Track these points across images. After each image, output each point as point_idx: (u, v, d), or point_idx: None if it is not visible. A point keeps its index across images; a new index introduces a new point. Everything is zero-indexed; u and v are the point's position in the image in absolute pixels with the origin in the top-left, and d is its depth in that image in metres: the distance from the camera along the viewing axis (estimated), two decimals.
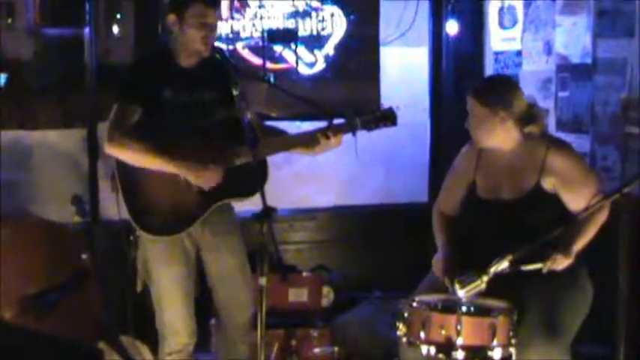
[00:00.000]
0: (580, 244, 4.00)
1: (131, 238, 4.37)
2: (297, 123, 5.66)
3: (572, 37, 5.58)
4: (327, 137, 4.22)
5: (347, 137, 4.34)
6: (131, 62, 5.69)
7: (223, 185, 4.22)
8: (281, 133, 4.48)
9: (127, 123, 4.16)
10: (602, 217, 4.03)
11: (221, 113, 4.21)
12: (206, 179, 4.19)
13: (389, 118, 4.37)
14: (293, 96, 4.85)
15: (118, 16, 6.10)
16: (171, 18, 4.19)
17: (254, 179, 3.95)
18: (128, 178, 4.24)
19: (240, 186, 4.14)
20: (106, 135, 4.22)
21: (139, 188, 4.25)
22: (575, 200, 4.02)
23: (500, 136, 4.11)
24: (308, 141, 4.26)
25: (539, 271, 3.91)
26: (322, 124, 4.35)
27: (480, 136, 4.15)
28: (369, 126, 4.33)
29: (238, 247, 4.42)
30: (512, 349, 3.73)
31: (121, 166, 4.24)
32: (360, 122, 4.28)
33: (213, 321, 5.01)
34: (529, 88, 4.25)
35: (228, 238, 4.38)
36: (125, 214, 4.28)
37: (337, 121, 4.29)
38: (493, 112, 4.07)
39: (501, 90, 4.15)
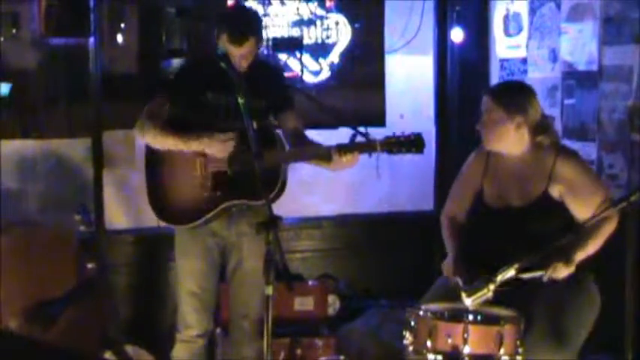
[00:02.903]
0: (583, 254, 3.99)
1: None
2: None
3: (578, 44, 5.57)
4: (341, 155, 4.17)
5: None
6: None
7: (234, 187, 4.29)
8: (309, 142, 4.51)
9: (157, 112, 4.36)
10: (609, 228, 4.02)
11: (263, 117, 4.27)
12: (217, 145, 4.26)
13: (415, 144, 4.16)
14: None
15: (123, 26, 6.10)
16: (216, 33, 4.36)
17: (265, 185, 3.96)
18: (153, 170, 4.44)
19: (251, 189, 4.14)
20: (137, 125, 4.42)
21: (160, 180, 4.42)
22: (583, 209, 4.01)
23: (511, 141, 4.11)
24: (323, 155, 4.24)
25: (539, 279, 3.90)
26: (329, 132, 4.33)
27: (491, 138, 4.14)
28: (390, 149, 4.17)
29: (259, 252, 4.42)
30: (519, 358, 3.71)
31: (149, 157, 4.45)
32: (379, 144, 4.17)
33: (218, 330, 5.01)
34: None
35: (253, 240, 4.37)
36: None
37: (358, 139, 4.21)
38: (510, 117, 4.07)
39: (520, 95, 4.15)
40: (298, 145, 4.44)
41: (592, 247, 4.02)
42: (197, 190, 4.33)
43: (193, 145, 4.28)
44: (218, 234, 4.45)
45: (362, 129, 4.23)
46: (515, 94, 4.16)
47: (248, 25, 4.35)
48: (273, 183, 4.20)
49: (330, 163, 4.23)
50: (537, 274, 3.90)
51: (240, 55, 4.27)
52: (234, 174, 4.28)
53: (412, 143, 4.16)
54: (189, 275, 4.47)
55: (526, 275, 3.86)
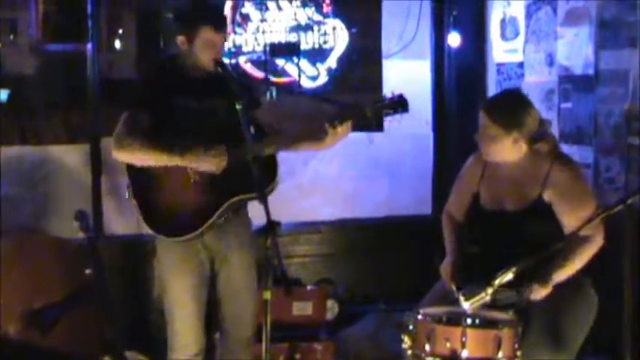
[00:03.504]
0: (561, 275, 3.96)
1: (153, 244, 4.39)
2: None
3: (574, 48, 5.58)
4: (334, 127, 4.13)
5: (349, 149, 4.29)
6: (141, 74, 5.74)
7: (233, 184, 4.21)
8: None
9: (134, 129, 4.18)
10: (590, 250, 3.99)
11: (229, 120, 4.22)
12: (213, 161, 4.16)
13: (400, 103, 4.18)
14: (302, 94, 4.84)
15: (120, 31, 6.12)
16: (181, 39, 4.26)
17: (264, 177, 3.94)
18: (140, 185, 4.26)
19: (249, 183, 4.12)
20: (113, 141, 4.23)
21: (151, 193, 4.26)
22: (568, 218, 4.00)
23: (509, 153, 4.11)
24: (315, 132, 4.19)
25: (516, 301, 3.89)
26: None
27: (489, 152, 4.14)
28: (379, 112, 4.17)
29: (249, 264, 4.41)
30: None
31: (132, 172, 4.26)
32: (368, 110, 4.15)
33: (218, 334, 5.00)
34: (531, 100, 4.23)
35: (241, 252, 4.36)
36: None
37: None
38: (507, 132, 4.05)
39: (516, 109, 4.11)
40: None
41: (570, 268, 3.99)
42: (196, 195, 4.24)
43: (184, 160, 4.15)
44: (208, 246, 4.35)
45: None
46: (511, 110, 4.11)
47: (222, 10, 4.35)
48: (273, 173, 4.17)
49: (323, 142, 4.19)
50: (511, 297, 3.89)
51: (222, 43, 4.25)
52: (230, 170, 4.19)
53: (397, 103, 4.18)
54: (185, 293, 4.33)
55: (500, 299, 3.85)
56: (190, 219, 4.25)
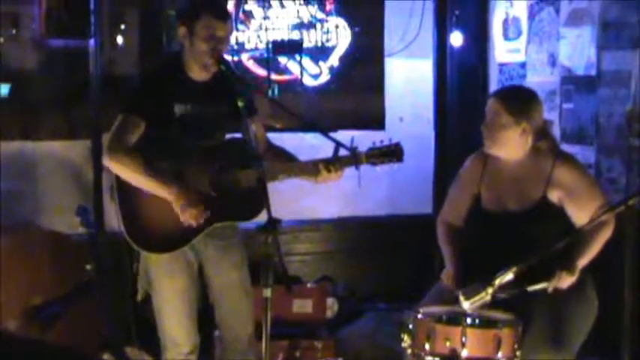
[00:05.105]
0: (584, 261, 3.99)
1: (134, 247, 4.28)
2: (300, 134, 5.66)
3: (577, 48, 5.58)
4: (329, 170, 4.11)
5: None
6: (141, 72, 5.73)
7: (223, 207, 4.16)
8: (285, 153, 4.42)
9: (129, 136, 4.08)
10: (606, 233, 4.02)
11: (231, 129, 4.18)
12: (188, 215, 4.08)
13: (395, 153, 4.18)
14: (293, 115, 4.78)
15: (123, 27, 6.11)
16: (182, 31, 4.15)
17: (252, 203, 3.93)
18: (126, 192, 4.16)
19: (237, 209, 4.12)
20: (106, 145, 4.15)
21: (136, 202, 4.17)
22: (581, 214, 4.01)
23: (514, 146, 4.11)
24: (310, 171, 4.16)
25: (545, 290, 3.91)
26: (324, 138, 4.31)
27: (494, 142, 4.13)
28: (374, 161, 4.16)
29: (240, 261, 4.39)
30: None
31: (120, 178, 4.16)
32: (364, 157, 4.14)
33: (217, 332, 5.00)
34: None
35: (230, 251, 4.35)
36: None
37: (341, 153, 4.14)
38: (517, 122, 4.06)
39: (528, 101, 4.14)
40: (268, 152, 4.37)
41: (591, 253, 4.02)
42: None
43: (167, 197, 4.06)
44: (195, 247, 4.30)
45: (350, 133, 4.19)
46: (523, 100, 4.14)
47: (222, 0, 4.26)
48: (262, 198, 4.12)
49: (314, 178, 4.16)
50: (542, 285, 3.90)
51: (226, 34, 4.13)
52: (217, 195, 4.15)
53: (393, 153, 4.18)
54: (175, 295, 4.28)
55: (531, 287, 3.86)
56: (171, 237, 4.18)
